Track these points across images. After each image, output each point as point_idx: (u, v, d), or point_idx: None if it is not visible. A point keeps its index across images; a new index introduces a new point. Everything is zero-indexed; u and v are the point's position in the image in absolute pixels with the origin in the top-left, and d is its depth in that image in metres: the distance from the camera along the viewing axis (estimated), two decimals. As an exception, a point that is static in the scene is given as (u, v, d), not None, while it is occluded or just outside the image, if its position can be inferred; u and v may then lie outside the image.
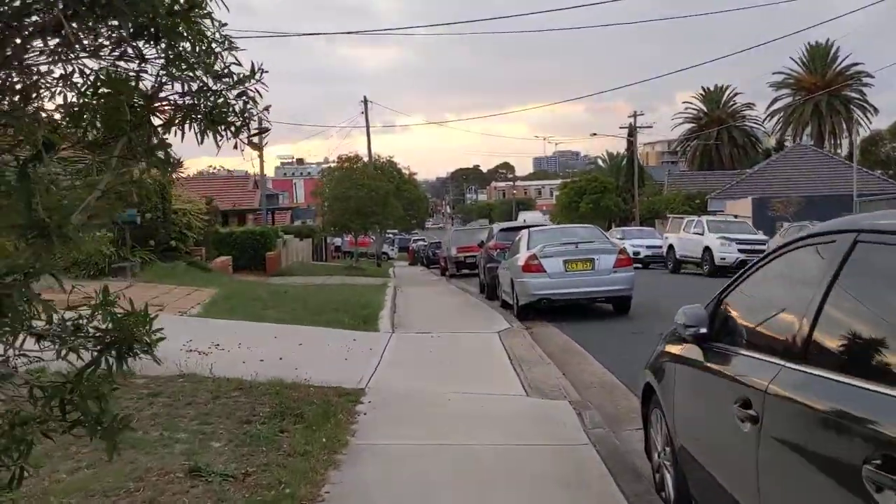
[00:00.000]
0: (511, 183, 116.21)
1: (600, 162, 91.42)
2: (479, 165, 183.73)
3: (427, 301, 17.69)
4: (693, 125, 75.74)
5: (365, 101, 45.01)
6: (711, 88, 76.46)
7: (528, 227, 17.98)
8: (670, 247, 30.52)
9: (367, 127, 45.04)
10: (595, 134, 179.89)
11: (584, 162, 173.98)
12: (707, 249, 27.53)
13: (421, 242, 60.23)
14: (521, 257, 13.90)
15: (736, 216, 37.24)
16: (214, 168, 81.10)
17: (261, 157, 35.66)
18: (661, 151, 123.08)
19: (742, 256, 26.65)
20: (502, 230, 19.88)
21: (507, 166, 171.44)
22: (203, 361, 8.01)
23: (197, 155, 60.23)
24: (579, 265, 13.39)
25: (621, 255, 13.59)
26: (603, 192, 58.23)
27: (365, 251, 57.34)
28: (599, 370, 9.14)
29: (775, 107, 70.52)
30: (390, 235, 67.58)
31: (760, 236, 28.46)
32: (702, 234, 28.42)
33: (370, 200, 32.63)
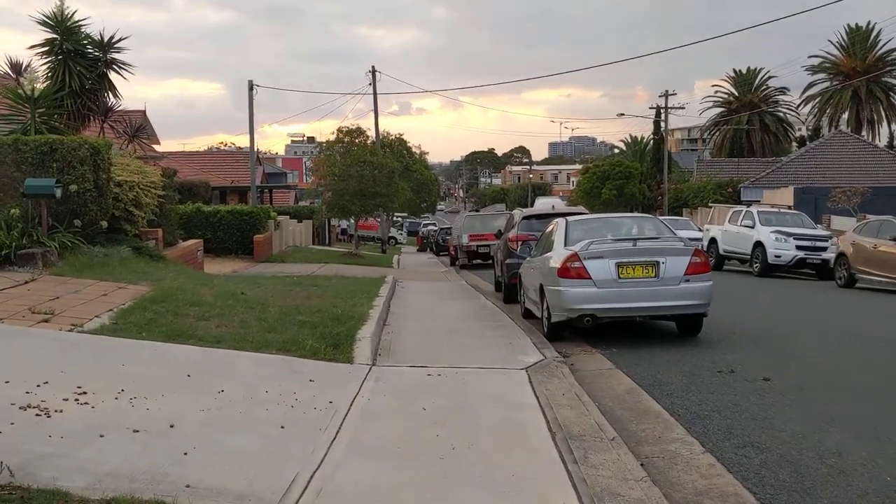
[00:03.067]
0: (527, 167, 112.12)
1: (623, 146, 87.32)
2: (493, 149, 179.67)
3: (429, 305, 14.07)
4: (722, 110, 71.67)
5: (373, 72, 41.28)
6: (743, 71, 72.27)
7: (561, 214, 14.33)
8: (712, 240, 26.80)
9: (375, 99, 41.37)
10: (622, 114, 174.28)
11: (600, 148, 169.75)
12: (759, 245, 23.78)
13: (431, 227, 56.65)
14: (557, 257, 10.26)
15: (776, 207, 33.56)
16: (226, 145, 77.48)
17: (251, 125, 32.02)
18: (680, 139, 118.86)
19: (800, 255, 22.97)
20: (526, 218, 16.16)
21: (522, 150, 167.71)
22: (34, 432, 4.59)
23: (212, 132, 56.60)
24: (638, 270, 9.74)
25: (697, 257, 9.89)
26: (628, 177, 54.36)
27: (372, 235, 53.84)
28: (703, 461, 5.49)
29: (811, 92, 66.36)
30: (399, 219, 63.97)
31: (821, 231, 24.66)
32: (752, 227, 24.66)
33: (373, 180, 28.92)
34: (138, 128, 19.34)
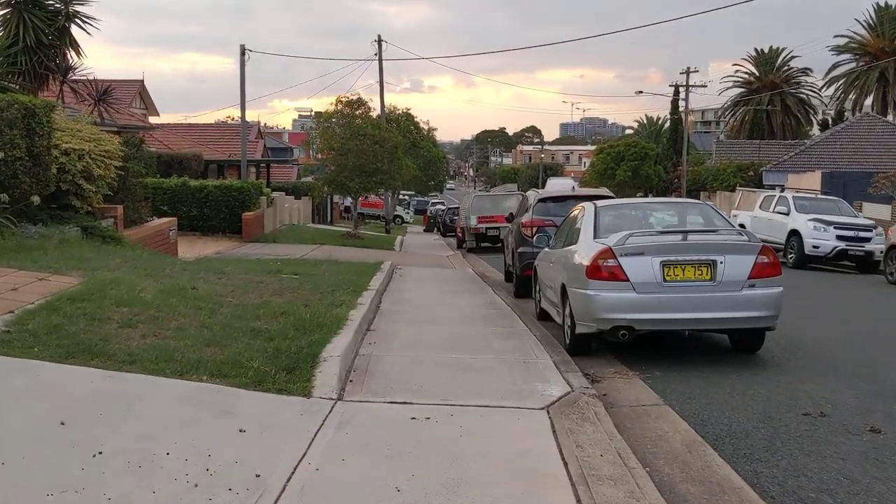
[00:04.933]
0: (538, 147, 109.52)
1: (635, 127, 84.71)
2: (504, 128, 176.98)
3: (428, 301, 11.97)
4: (742, 90, 68.94)
5: (379, 41, 38.92)
6: (765, 50, 69.45)
7: (584, 197, 12.18)
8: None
9: (381, 69, 39.03)
10: (641, 92, 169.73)
11: (612, 129, 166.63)
12: (794, 234, 21.60)
13: (440, 206, 54.47)
14: (585, 252, 8.12)
15: (804, 191, 31.26)
16: (232, 119, 75.46)
17: (242, 96, 29.79)
18: (693, 121, 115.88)
19: (841, 245, 20.77)
20: (542, 201, 13.95)
21: (533, 130, 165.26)
22: None
23: (222, 106, 54.24)
24: (689, 272, 7.60)
25: (765, 256, 7.71)
26: (643, 158, 52.03)
27: (377, 213, 51.60)
28: None
29: (835, 73, 63.54)
30: (405, 197, 61.79)
31: (863, 220, 22.39)
32: (787, 214, 22.48)
33: (374, 155, 26.69)
34: (105, 91, 17.21)
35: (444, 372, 6.86)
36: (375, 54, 38.79)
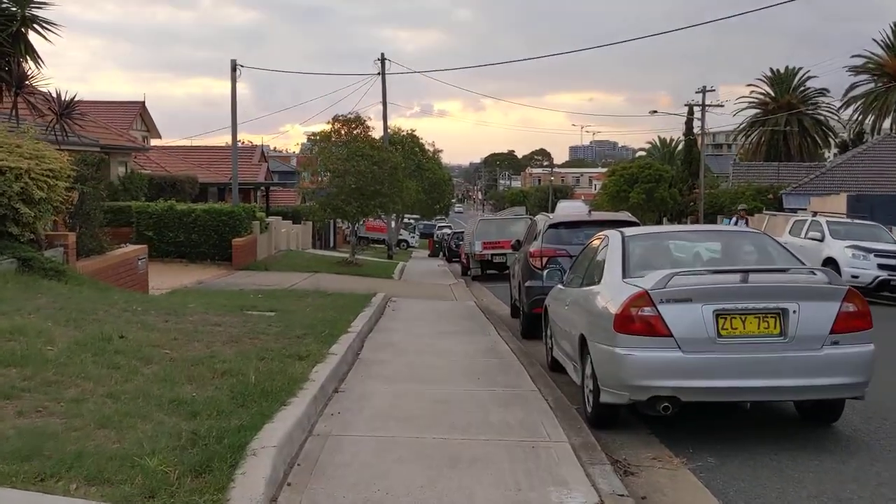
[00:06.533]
0: (548, 169, 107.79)
1: (645, 151, 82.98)
2: (513, 151, 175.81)
3: (419, 346, 10.10)
4: (758, 111, 67.13)
5: (382, 60, 37.35)
6: (781, 70, 67.71)
7: (605, 223, 10.37)
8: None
9: (384, 89, 37.42)
10: (655, 112, 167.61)
11: (622, 152, 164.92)
12: (830, 262, 19.61)
13: (446, 230, 52.67)
14: (613, 295, 6.26)
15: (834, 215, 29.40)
16: (243, 142, 74.01)
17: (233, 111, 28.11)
18: (706, 143, 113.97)
19: (883, 275, 18.85)
20: (554, 227, 12.06)
21: (542, 153, 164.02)
22: None
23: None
24: (751, 324, 5.75)
25: (851, 303, 5.84)
26: (658, 181, 50.17)
27: (382, 238, 49.79)
28: None
29: (853, 93, 61.72)
30: (410, 221, 60.07)
31: (906, 247, 20.42)
32: (821, 240, 20.58)
33: (373, 177, 24.92)
34: (69, 104, 15.49)
35: (421, 467, 5.00)
36: (379, 73, 37.20)
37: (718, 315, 5.74)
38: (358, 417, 6.15)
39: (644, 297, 5.82)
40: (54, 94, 15.40)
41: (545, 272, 10.88)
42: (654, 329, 5.76)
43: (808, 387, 5.77)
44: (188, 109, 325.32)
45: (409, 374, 8.05)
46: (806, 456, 5.78)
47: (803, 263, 6.79)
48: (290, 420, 5.34)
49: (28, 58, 14.83)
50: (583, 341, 6.70)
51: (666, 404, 5.75)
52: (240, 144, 62.54)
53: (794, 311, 5.73)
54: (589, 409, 6.53)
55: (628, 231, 7.37)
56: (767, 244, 7.13)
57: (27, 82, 14.47)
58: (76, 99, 15.77)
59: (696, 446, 5.94)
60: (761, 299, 5.78)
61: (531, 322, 11.47)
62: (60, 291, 9.77)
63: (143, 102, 43.70)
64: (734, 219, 20.12)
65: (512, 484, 4.76)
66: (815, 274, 6.25)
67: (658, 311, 5.76)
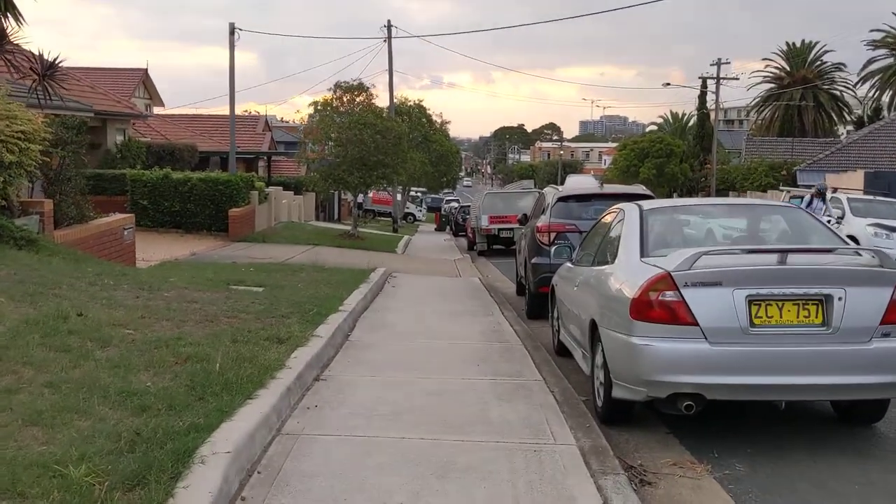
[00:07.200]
0: (558, 143, 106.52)
1: (656, 126, 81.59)
2: (523, 125, 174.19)
3: (416, 328, 9.36)
4: (773, 86, 65.71)
5: (388, 27, 36.35)
6: (797, 44, 66.21)
7: (619, 195, 9.59)
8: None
9: (390, 57, 36.42)
10: (668, 84, 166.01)
11: (632, 127, 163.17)
12: (851, 240, 18.83)
13: (454, 204, 51.77)
14: (629, 277, 5.49)
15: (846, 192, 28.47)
16: (247, 112, 73.09)
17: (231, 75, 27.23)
18: (716, 119, 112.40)
19: (906, 254, 17.98)
20: (563, 200, 11.24)
21: (552, 127, 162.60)
22: None
23: (244, 100, 51.92)
24: (790, 312, 4.98)
25: (906, 290, 5.09)
26: (669, 155, 49.16)
27: (388, 211, 48.94)
28: None
29: (871, 68, 60.26)
30: (417, 194, 59.17)
31: (929, 226, 19.55)
32: (841, 218, 19.72)
33: (376, 147, 24.06)
34: (52, 65, 14.69)
35: (405, 477, 4.26)
36: (385, 39, 36.22)
37: (752, 301, 4.96)
38: (336, 413, 5.41)
39: (666, 280, 5.04)
40: (37, 54, 14.60)
41: (553, 249, 10.11)
42: (677, 316, 4.99)
43: (854, 385, 5.00)
44: (198, 79, 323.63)
45: (402, 360, 7.31)
46: (846, 463, 5.04)
47: (847, 243, 5.99)
48: (254, 418, 4.61)
49: (9, 14, 14.02)
50: (593, 327, 5.94)
51: (689, 403, 5.00)
52: (244, 114, 61.87)
53: (840, 298, 4.95)
54: (599, 404, 5.79)
55: (646, 204, 6.56)
56: (806, 221, 6.32)
57: (7, 40, 13.68)
58: (60, 61, 14.96)
59: (721, 449, 5.20)
60: (802, 284, 5.00)
61: (537, 302, 10.72)
62: (27, 262, 9.05)
63: (146, 70, 42.81)
64: (807, 197, 19.08)
65: (510, 501, 4.02)
66: (861, 255, 5.44)
67: (682, 295, 4.99)
